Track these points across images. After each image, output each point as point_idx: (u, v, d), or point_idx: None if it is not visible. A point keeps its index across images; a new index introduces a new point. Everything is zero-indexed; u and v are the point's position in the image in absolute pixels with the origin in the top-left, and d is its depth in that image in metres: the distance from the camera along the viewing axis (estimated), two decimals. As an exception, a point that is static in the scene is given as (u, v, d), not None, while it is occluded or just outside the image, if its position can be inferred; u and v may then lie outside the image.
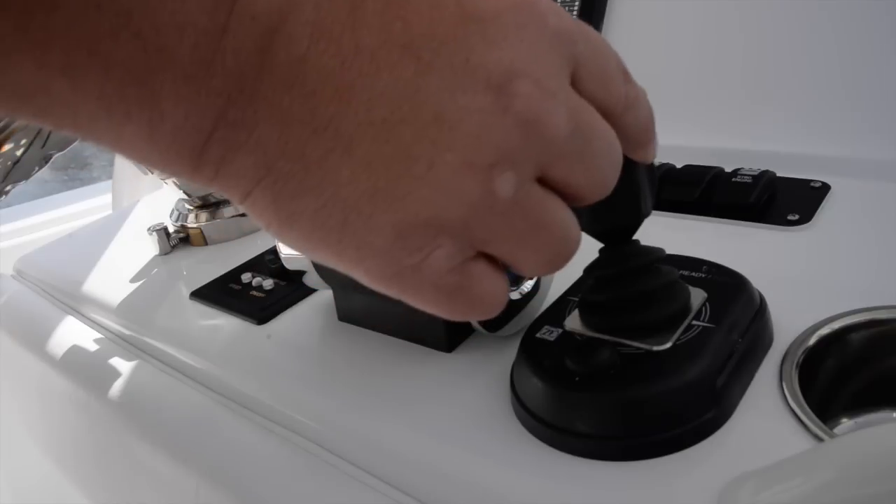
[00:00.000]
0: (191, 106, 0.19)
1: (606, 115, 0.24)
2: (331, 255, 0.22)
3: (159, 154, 0.20)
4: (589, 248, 0.35)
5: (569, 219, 0.23)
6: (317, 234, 0.21)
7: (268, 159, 0.20)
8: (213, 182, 0.21)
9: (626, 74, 0.25)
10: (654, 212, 0.33)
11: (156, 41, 0.18)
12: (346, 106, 0.20)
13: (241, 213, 0.70)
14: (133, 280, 0.65)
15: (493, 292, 0.23)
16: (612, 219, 0.33)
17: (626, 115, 0.25)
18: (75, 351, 0.59)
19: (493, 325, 0.41)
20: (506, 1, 0.21)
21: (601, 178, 0.23)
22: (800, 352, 0.36)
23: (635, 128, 0.25)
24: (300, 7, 0.19)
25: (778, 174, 0.53)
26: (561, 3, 0.74)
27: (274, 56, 0.19)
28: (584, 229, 0.33)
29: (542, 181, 0.22)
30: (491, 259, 0.23)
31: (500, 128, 0.20)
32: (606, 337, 0.35)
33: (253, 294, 0.56)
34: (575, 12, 0.72)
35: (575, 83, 0.23)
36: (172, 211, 0.73)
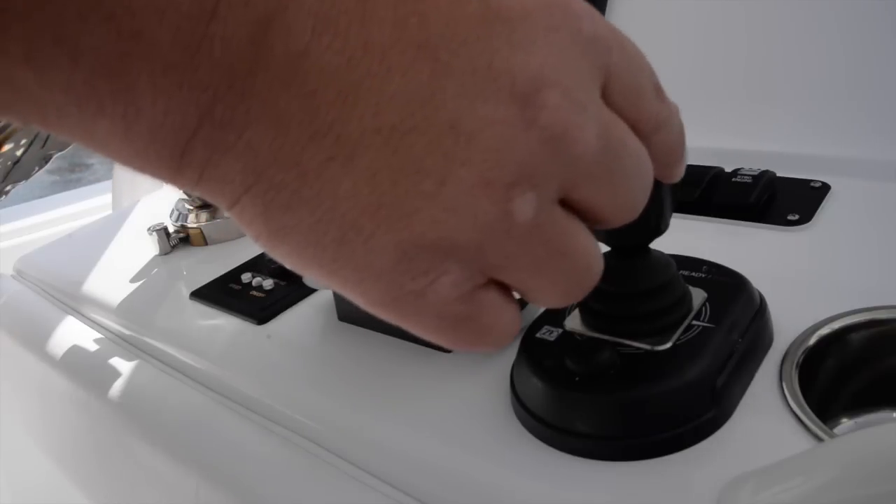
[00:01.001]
0: (171, 101, 0.17)
1: (635, 132, 0.22)
2: (325, 274, 0.20)
3: (136, 154, 0.18)
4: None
5: (592, 246, 0.21)
6: (310, 251, 0.19)
7: (259, 165, 0.18)
8: (198, 186, 0.19)
9: (658, 90, 0.23)
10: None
11: (131, 25, 0.16)
12: (350, 110, 0.17)
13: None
14: (133, 280, 0.65)
15: (502, 324, 0.21)
16: (630, 236, 0.33)
17: (656, 135, 0.23)
18: (75, 351, 0.59)
19: (493, 325, 0.41)
20: (537, 0, 0.19)
21: (630, 201, 0.22)
22: (800, 352, 0.36)
23: (664, 147, 0.23)
24: None
25: (778, 174, 0.53)
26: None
27: (270, 49, 0.17)
28: (598, 240, 0.33)
29: (564, 202, 0.20)
30: (502, 286, 0.21)
31: (523, 143, 0.18)
32: (606, 337, 0.35)
33: (253, 294, 0.56)
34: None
35: (605, 96, 0.21)
36: (172, 211, 0.73)
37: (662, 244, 0.35)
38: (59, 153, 0.72)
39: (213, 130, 0.18)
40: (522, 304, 0.43)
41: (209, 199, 0.20)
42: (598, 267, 0.22)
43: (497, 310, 0.21)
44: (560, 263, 0.20)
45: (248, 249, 0.65)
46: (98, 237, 0.78)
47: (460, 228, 0.19)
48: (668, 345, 0.33)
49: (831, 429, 0.31)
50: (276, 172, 0.18)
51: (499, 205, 0.19)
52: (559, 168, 0.19)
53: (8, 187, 0.68)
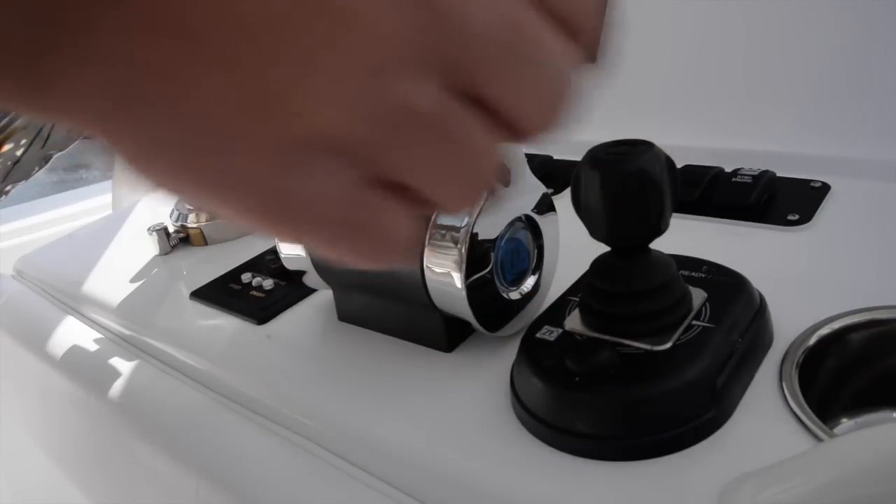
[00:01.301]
0: (14, 10, 0.15)
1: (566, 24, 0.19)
2: (206, 192, 0.18)
3: None
4: (593, 240, 0.35)
5: (489, 143, 0.19)
6: (187, 166, 0.18)
7: (123, 77, 0.16)
8: (62, 113, 0.17)
9: None
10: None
11: None
12: (219, 7, 0.16)
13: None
14: (133, 280, 0.65)
15: (397, 229, 0.20)
16: (630, 236, 0.33)
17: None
18: (75, 351, 0.59)
19: (493, 325, 0.41)
20: None
21: (540, 99, 0.19)
22: (800, 352, 0.36)
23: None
24: None
25: (778, 174, 0.53)
26: None
27: None
28: (599, 239, 0.33)
29: (470, 99, 0.18)
30: (396, 188, 0.19)
31: (410, 25, 0.16)
32: (606, 337, 0.35)
33: (253, 294, 0.56)
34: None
35: None
36: (172, 211, 0.73)
37: (662, 244, 0.35)
38: (59, 153, 0.71)
39: (66, 39, 0.16)
40: (521, 303, 0.43)
41: (83, 129, 0.18)
42: (495, 167, 0.20)
43: (389, 213, 0.19)
44: (456, 158, 0.19)
45: (248, 249, 0.65)
46: (98, 237, 0.78)
47: (342, 121, 0.17)
48: (668, 345, 0.33)
49: (831, 429, 0.31)
50: (145, 83, 0.16)
51: (385, 94, 0.17)
52: (451, 51, 0.17)
53: (8, 187, 0.68)
